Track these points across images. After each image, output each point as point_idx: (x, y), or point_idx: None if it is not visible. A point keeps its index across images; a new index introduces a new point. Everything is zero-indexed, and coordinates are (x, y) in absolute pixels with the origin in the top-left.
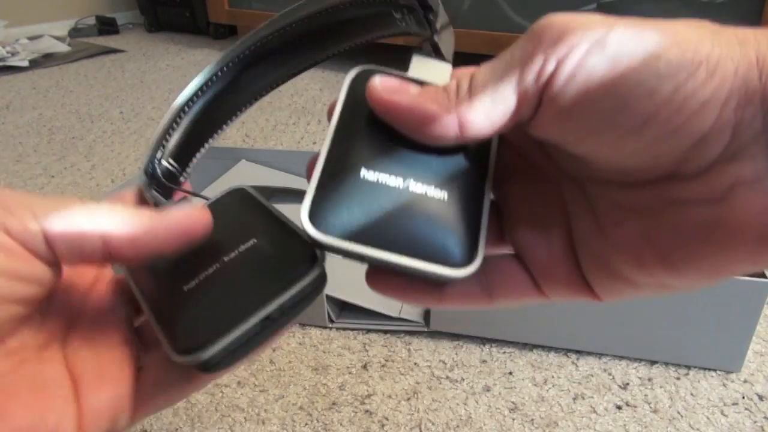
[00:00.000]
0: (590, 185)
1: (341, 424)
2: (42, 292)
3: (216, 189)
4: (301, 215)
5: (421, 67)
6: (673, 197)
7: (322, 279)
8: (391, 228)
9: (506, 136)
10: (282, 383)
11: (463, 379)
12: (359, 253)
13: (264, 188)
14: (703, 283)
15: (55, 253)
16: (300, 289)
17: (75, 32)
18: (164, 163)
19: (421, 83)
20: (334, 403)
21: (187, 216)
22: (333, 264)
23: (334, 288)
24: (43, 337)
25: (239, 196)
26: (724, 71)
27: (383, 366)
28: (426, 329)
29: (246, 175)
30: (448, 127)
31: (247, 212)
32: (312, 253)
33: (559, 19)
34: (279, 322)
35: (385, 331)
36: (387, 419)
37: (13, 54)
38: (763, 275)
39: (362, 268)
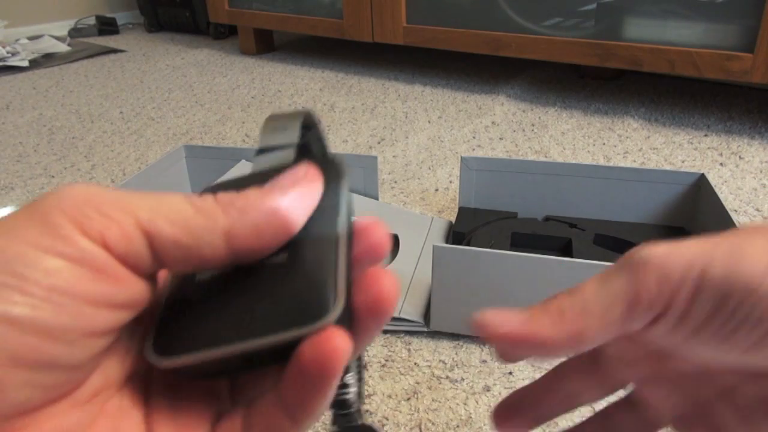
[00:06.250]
0: (723, 378)
1: None
2: (135, 314)
3: None
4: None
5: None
6: None
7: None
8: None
9: (625, 348)
10: None
11: (463, 379)
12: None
13: None
14: None
15: (162, 263)
16: (294, 336)
17: (75, 32)
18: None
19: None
20: None
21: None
22: None
23: None
24: (127, 368)
25: (325, 174)
26: None
27: (383, 366)
28: (426, 329)
29: None
30: (563, 346)
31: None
32: (326, 300)
33: (657, 253)
34: (269, 361)
35: (385, 331)
36: (387, 419)
37: (13, 54)
38: None
39: None
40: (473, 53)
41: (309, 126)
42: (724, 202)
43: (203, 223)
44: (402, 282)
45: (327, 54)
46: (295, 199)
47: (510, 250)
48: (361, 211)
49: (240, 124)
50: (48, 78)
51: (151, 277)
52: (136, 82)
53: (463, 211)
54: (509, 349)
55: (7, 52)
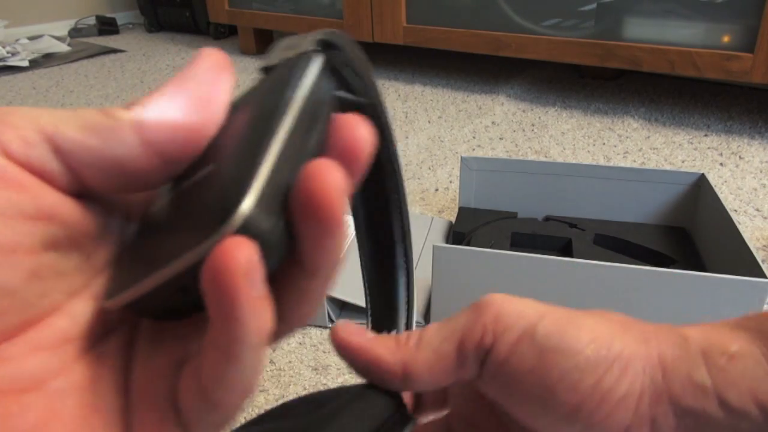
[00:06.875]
0: None
1: None
2: (65, 232)
3: None
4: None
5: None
6: None
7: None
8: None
9: (463, 411)
10: (282, 383)
11: None
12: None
13: None
14: None
15: (76, 173)
16: (198, 256)
17: (75, 32)
18: None
19: None
20: None
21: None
22: None
23: (334, 288)
24: (108, 316)
25: (290, 71)
26: (634, 369)
27: None
28: None
29: None
30: (393, 371)
31: (258, 108)
32: (227, 207)
33: (499, 298)
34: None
35: None
36: None
37: (13, 54)
38: (763, 275)
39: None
40: (473, 53)
41: (333, 45)
42: (724, 202)
43: (109, 122)
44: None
45: None
46: (199, 76)
47: (510, 250)
48: None
49: None
50: (48, 78)
51: (75, 192)
52: (136, 82)
53: (463, 211)
54: (351, 360)
55: (7, 52)
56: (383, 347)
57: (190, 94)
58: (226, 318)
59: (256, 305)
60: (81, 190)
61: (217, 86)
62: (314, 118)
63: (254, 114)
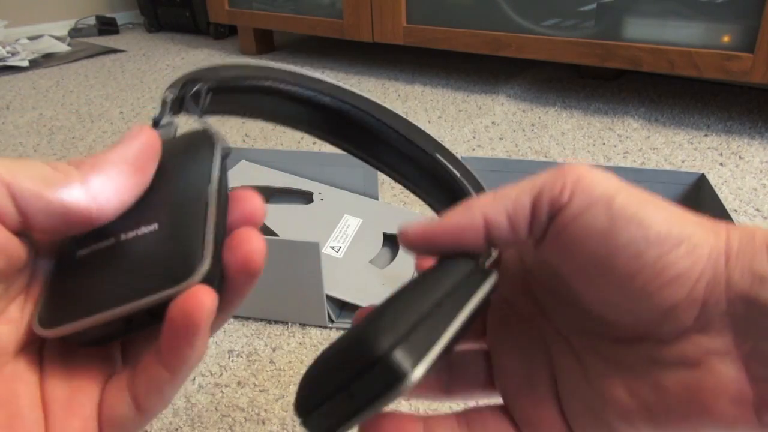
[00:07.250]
0: (578, 339)
1: None
2: (6, 267)
3: None
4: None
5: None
6: (654, 357)
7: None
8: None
9: (501, 288)
10: (282, 383)
11: None
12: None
13: (264, 188)
14: None
15: (27, 218)
16: (167, 296)
17: (75, 32)
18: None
19: None
20: None
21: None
22: (333, 264)
23: (334, 288)
24: (21, 337)
25: (196, 145)
26: (700, 252)
27: None
28: None
29: (246, 175)
30: (475, 226)
31: (180, 178)
32: (192, 262)
33: (582, 166)
34: (149, 321)
35: None
36: None
37: (13, 54)
38: None
39: (361, 269)
40: (473, 53)
41: (197, 80)
42: (724, 202)
43: (60, 176)
44: (402, 282)
45: (327, 54)
46: (137, 149)
47: None
48: (361, 212)
49: (240, 124)
50: (48, 78)
51: (24, 237)
52: (136, 82)
53: None
54: (433, 247)
55: (7, 52)
56: (456, 215)
57: (126, 167)
58: (185, 345)
59: (206, 335)
60: (24, 230)
61: (146, 163)
62: (222, 186)
63: (183, 185)
